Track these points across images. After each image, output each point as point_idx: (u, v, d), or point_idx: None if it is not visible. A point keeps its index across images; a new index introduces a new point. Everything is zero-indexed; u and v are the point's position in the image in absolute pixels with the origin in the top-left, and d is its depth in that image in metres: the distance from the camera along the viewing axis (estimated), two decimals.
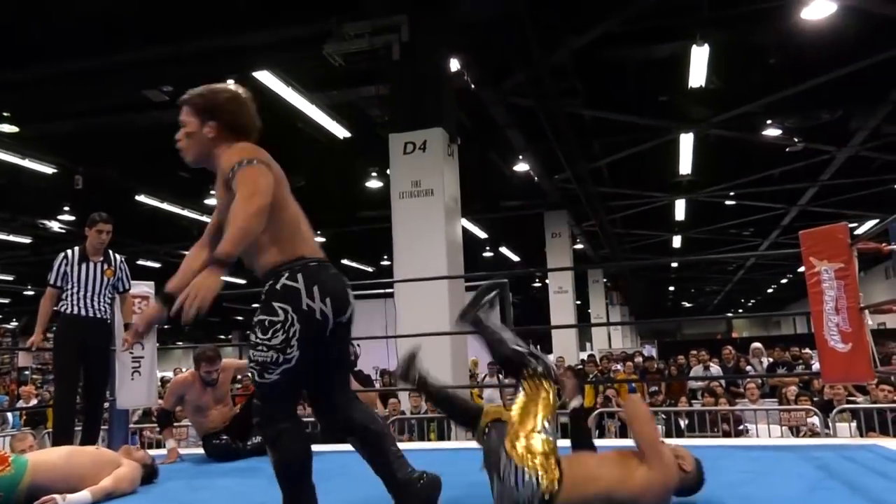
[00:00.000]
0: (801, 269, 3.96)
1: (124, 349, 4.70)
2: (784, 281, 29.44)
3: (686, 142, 10.89)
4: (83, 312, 4.38)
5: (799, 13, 7.14)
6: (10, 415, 9.37)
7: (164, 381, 9.07)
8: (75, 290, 4.38)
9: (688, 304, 40.31)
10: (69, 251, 4.48)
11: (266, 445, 2.24)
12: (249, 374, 2.47)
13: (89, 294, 4.41)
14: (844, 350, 3.76)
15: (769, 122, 10.48)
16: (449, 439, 6.51)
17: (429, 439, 6.46)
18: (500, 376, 10.81)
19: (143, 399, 5.13)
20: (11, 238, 14.94)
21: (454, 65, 7.84)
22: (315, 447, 3.94)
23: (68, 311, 4.38)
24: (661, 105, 10.19)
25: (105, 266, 4.49)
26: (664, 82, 9.48)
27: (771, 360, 9.49)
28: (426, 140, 7.18)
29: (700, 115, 10.21)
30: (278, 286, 2.17)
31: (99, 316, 4.44)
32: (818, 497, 2.48)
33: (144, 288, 5.05)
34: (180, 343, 26.17)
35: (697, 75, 8.10)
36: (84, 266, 4.42)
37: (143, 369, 4.94)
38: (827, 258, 3.72)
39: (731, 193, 14.69)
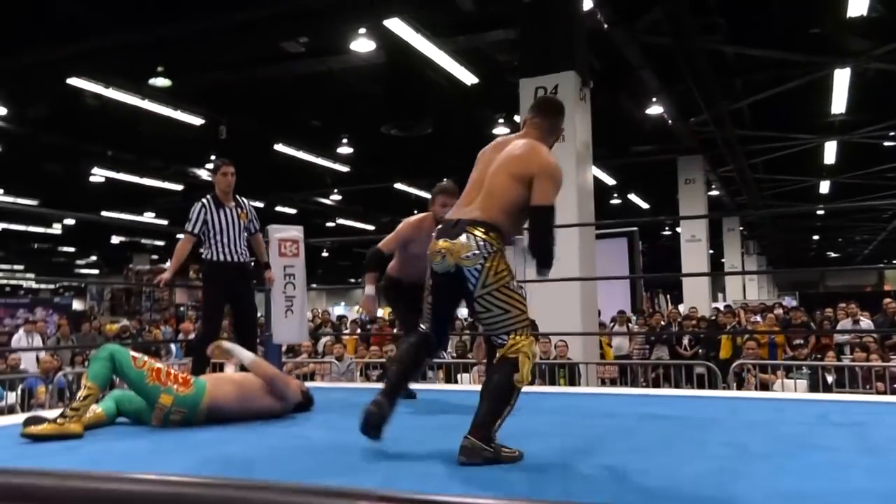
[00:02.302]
0: None
1: (269, 287, 5.00)
2: None
3: (841, 78, 9.98)
4: (227, 258, 4.44)
5: None
6: (173, 346, 10.36)
7: None
8: (218, 237, 4.43)
9: (834, 255, 37.51)
10: (205, 199, 4.51)
11: None
12: None
13: (229, 240, 4.45)
14: None
15: None
16: (578, 384, 6.56)
17: (559, 384, 6.53)
18: (629, 325, 10.65)
19: (295, 335, 5.48)
20: (166, 185, 16.18)
21: (587, 4, 7.57)
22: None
23: (213, 258, 4.44)
24: (813, 38, 9.37)
25: (238, 210, 4.54)
26: (817, 13, 8.69)
27: None
28: (557, 84, 7.06)
29: (859, 47, 9.31)
30: None
31: (241, 260, 4.52)
32: None
33: (294, 232, 5.33)
34: (314, 285, 27.51)
35: (857, 3, 7.38)
36: (221, 212, 4.47)
37: (296, 307, 5.25)
38: None
39: (892, 133, 13.40)
